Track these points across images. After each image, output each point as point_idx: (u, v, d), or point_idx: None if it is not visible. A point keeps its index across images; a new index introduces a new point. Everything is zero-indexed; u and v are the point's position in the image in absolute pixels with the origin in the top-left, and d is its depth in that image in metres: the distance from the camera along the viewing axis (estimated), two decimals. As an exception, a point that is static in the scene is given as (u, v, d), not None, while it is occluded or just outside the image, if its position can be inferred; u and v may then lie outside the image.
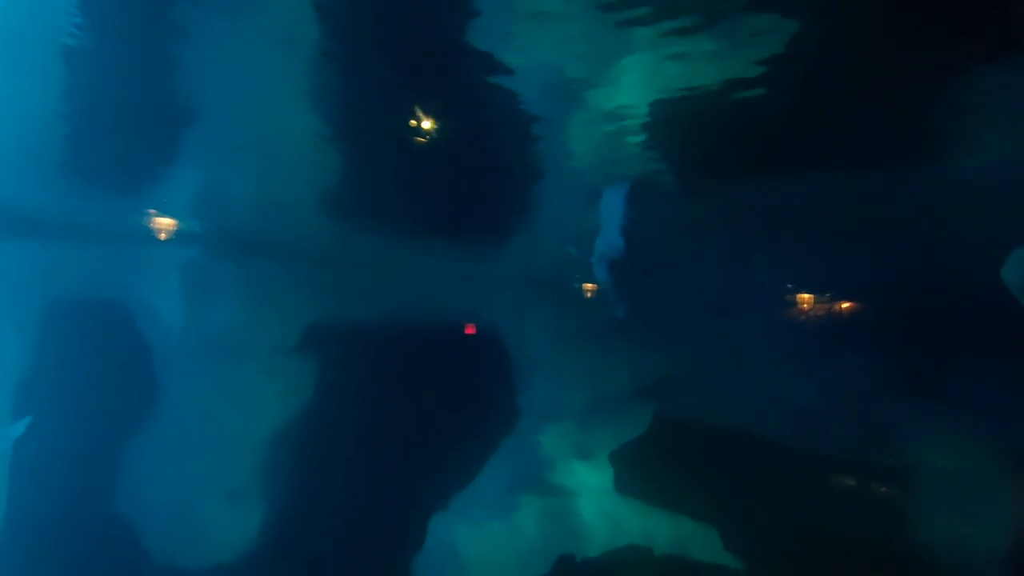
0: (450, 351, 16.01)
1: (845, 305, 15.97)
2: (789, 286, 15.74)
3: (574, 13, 7.35)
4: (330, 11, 7.94)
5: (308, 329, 14.72)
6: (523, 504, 15.02)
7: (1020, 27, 7.18)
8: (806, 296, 16.15)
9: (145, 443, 13.70)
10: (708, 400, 15.25)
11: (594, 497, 14.82)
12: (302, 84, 9.95)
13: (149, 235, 14.76)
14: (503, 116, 10.63)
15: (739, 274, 14.91)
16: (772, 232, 14.17)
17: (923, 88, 8.83)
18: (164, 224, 14.56)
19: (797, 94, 9.10)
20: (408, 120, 11.45)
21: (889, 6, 7.07)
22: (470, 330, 16.94)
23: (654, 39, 7.70)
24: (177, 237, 14.70)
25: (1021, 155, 10.42)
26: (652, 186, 12.93)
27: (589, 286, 18.25)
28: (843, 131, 10.41)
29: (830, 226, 13.88)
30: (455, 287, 17.73)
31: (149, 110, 11.07)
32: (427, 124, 11.48)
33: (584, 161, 12.45)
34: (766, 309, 15.99)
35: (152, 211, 14.27)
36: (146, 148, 12.23)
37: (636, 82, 8.99)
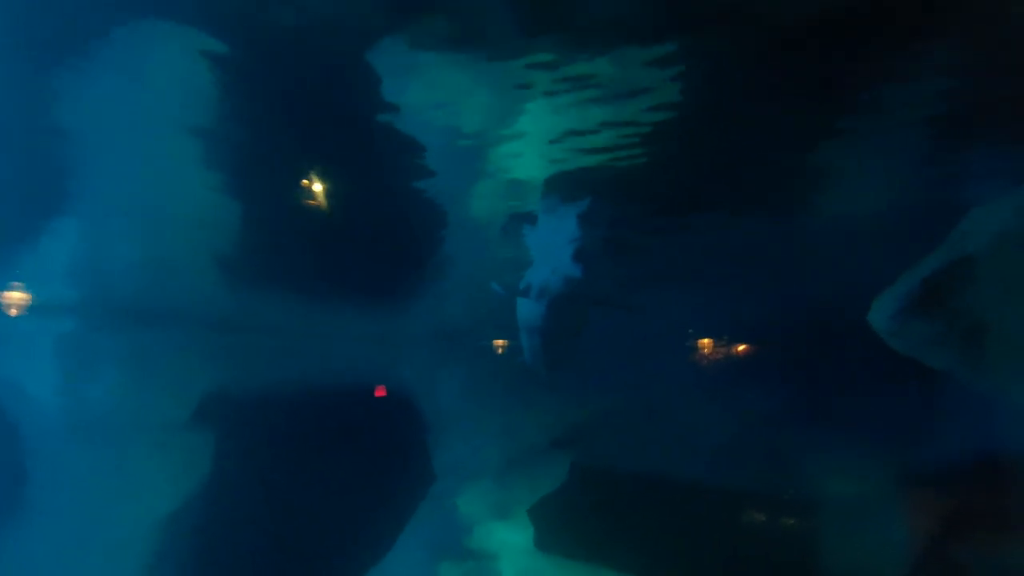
0: (360, 415, 15.36)
1: (746, 344, 16.89)
2: (691, 330, 16.49)
3: (469, 70, 7.56)
4: (227, 67, 7.77)
5: (204, 400, 13.68)
6: (442, 572, 14.37)
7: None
8: (708, 339, 16.98)
9: (10, 543, 12.03)
10: (622, 445, 15.43)
11: (515, 557, 14.42)
12: (196, 142, 9.59)
13: (18, 307, 13.41)
14: (404, 174, 10.69)
15: (646, 320, 15.45)
16: (673, 279, 14.86)
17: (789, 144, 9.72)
18: (33, 295, 13.32)
19: (683, 152, 9.72)
20: (308, 179, 11.28)
21: (760, 80, 7.75)
22: (380, 392, 16.39)
23: (549, 94, 8.02)
24: (50, 308, 13.44)
25: (879, 207, 11.60)
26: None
27: (500, 342, 18.31)
28: (733, 185, 11.20)
29: (727, 271, 14.75)
30: (363, 348, 17.20)
31: (19, 170, 10.27)
32: (328, 183, 11.34)
33: (488, 213, 12.66)
34: (673, 352, 16.61)
35: (17, 283, 13.06)
36: (14, 212, 11.27)
37: (532, 136, 9.30)
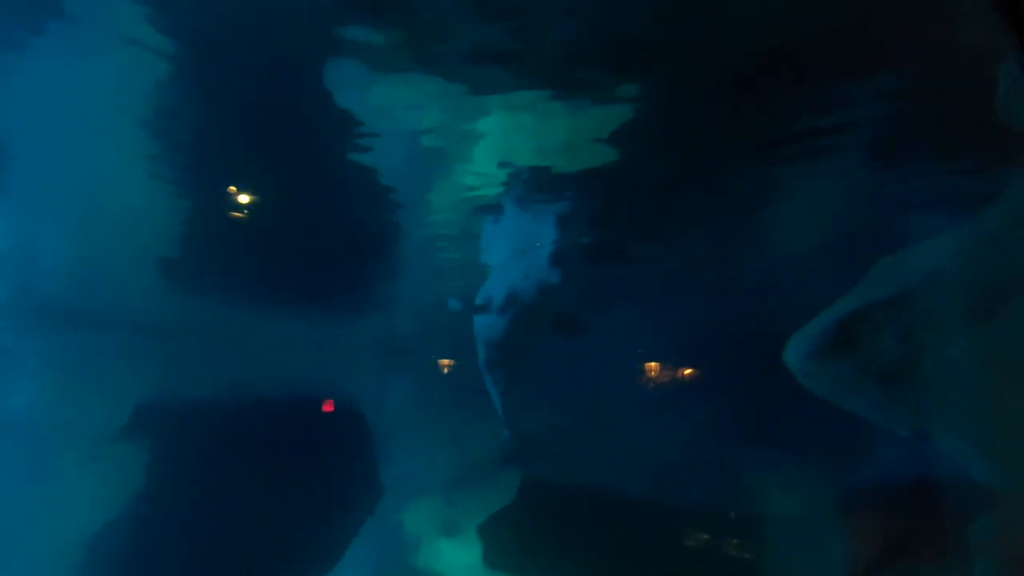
0: (305, 427, 14.83)
1: (694, 364, 17.19)
2: (640, 349, 16.65)
3: (428, 84, 7.44)
4: (173, 63, 7.40)
5: (138, 410, 12.96)
6: (387, 591, 13.98)
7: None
8: (656, 357, 17.19)
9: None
10: (573, 462, 15.36)
11: (463, 574, 14.14)
12: (138, 139, 9.11)
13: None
14: (359, 183, 10.44)
15: (593, 337, 15.47)
16: (622, 297, 14.99)
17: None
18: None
19: (636, 168, 9.79)
20: (256, 183, 10.88)
21: (706, 109, 7.87)
22: (328, 407, 15.89)
23: (507, 111, 7.96)
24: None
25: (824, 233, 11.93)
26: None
27: (445, 362, 18.10)
28: (681, 205, 11.37)
29: (674, 290, 14.95)
30: (308, 357, 16.66)
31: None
32: (276, 188, 10.96)
33: (444, 229, 12.49)
34: (624, 368, 16.70)
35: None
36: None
37: (490, 151, 9.22)
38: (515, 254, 12.66)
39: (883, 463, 10.80)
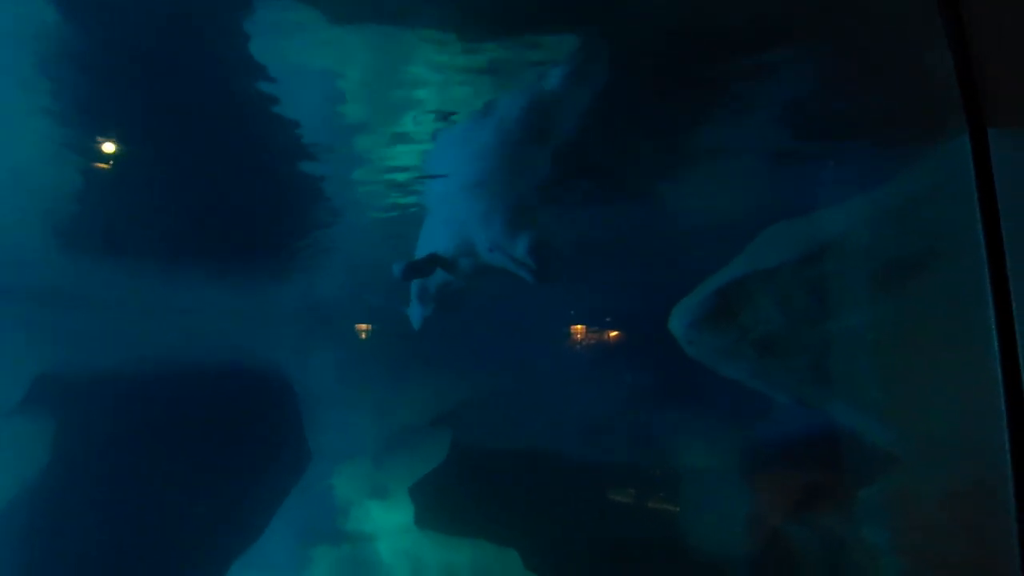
0: (224, 396, 14.24)
1: (614, 327, 17.75)
2: (570, 312, 16.97)
3: (351, 35, 7.02)
4: (68, 6, 6.61)
5: (36, 383, 12.03)
6: (316, 557, 13.85)
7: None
8: (581, 320, 17.64)
9: None
10: (502, 424, 15.60)
11: (393, 537, 14.21)
12: (29, 90, 8.18)
13: None
14: (278, 137, 9.81)
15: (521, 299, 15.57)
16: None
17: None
18: None
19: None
20: (161, 135, 10.04)
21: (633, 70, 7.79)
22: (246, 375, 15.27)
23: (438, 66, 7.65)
24: None
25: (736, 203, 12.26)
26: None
27: (363, 325, 17.75)
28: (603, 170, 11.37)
29: (594, 256, 15.18)
30: (226, 324, 15.93)
31: None
32: (184, 139, 10.14)
33: (374, 188, 12.02)
34: (548, 332, 16.95)
35: None
36: None
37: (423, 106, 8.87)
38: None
39: (786, 423, 11.49)
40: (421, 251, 10.32)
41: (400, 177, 11.49)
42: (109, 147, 10.10)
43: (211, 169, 11.00)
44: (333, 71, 7.84)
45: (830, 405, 7.18)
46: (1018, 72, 2.87)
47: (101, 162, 10.45)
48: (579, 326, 17.67)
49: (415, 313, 11.46)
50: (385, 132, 9.67)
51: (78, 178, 10.64)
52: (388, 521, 14.40)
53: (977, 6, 2.67)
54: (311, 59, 7.51)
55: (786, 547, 9.79)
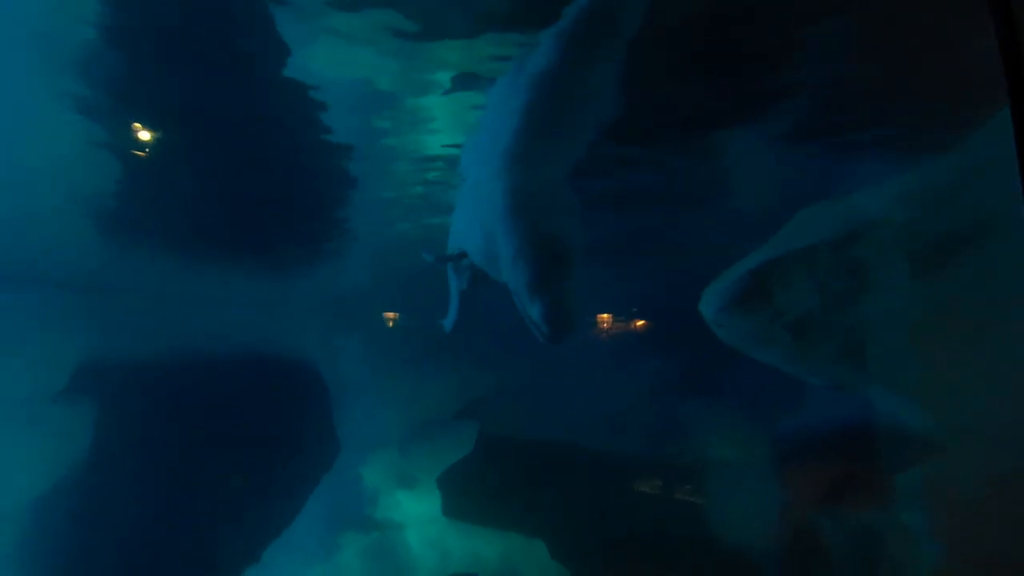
0: (255, 385, 14.48)
1: (639, 320, 17.70)
2: (594, 304, 16.97)
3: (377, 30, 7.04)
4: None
5: (79, 370, 12.33)
6: (345, 544, 14.05)
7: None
8: (606, 314, 17.62)
9: None
10: (528, 415, 15.65)
11: (421, 526, 14.36)
12: (68, 82, 8.38)
13: None
14: (308, 131, 9.93)
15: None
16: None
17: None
18: None
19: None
20: (197, 128, 10.23)
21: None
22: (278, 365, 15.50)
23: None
24: None
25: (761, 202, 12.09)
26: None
27: (389, 313, 17.86)
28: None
29: (622, 252, 15.12)
30: (258, 314, 16.18)
31: None
32: (220, 133, 10.32)
33: (399, 182, 12.08)
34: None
35: None
36: None
37: (444, 98, 8.85)
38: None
39: (818, 412, 11.32)
40: (454, 244, 10.14)
41: (431, 148, 11.18)
42: (145, 135, 10.25)
43: (242, 156, 11.15)
44: (358, 70, 7.88)
45: (867, 389, 7.02)
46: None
47: (138, 150, 10.64)
48: (605, 315, 17.61)
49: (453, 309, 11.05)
50: (412, 104, 9.65)
51: (116, 169, 10.87)
52: (416, 510, 14.55)
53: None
54: (336, 54, 7.57)
55: (816, 539, 9.67)
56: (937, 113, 8.05)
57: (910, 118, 8.87)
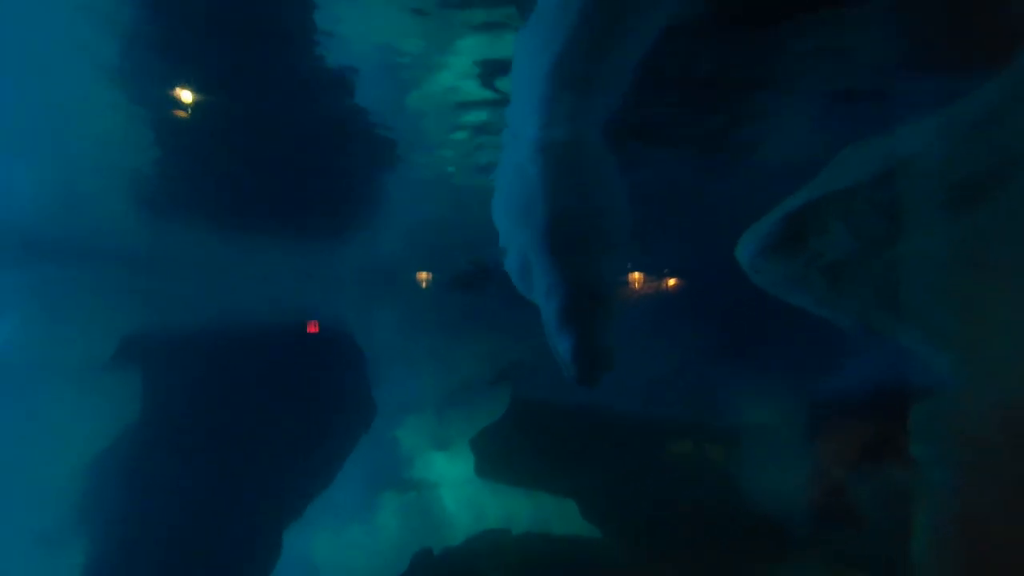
0: (294, 352, 14.96)
1: (673, 282, 17.49)
2: (628, 266, 16.82)
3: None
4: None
5: (127, 339, 12.90)
6: (382, 503, 14.60)
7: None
8: (640, 275, 17.45)
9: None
10: (559, 377, 15.78)
11: (455, 486, 14.80)
12: (110, 61, 8.60)
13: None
14: (340, 103, 10.01)
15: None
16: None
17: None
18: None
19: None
20: (235, 103, 10.40)
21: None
22: (313, 328, 15.94)
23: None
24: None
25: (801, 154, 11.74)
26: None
27: (423, 275, 17.97)
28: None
29: (655, 213, 14.90)
30: (294, 284, 16.58)
31: None
32: (256, 109, 10.47)
33: (432, 148, 12.10)
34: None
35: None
36: None
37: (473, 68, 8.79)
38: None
39: (850, 374, 11.17)
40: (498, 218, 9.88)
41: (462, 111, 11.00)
42: (187, 97, 10.37)
43: (279, 132, 11.32)
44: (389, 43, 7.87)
45: (897, 330, 6.90)
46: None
47: (178, 119, 10.84)
48: (638, 275, 17.41)
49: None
50: (443, 99, 9.67)
51: (156, 144, 11.19)
52: (450, 471, 14.97)
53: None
54: (366, 29, 7.57)
55: (851, 501, 9.68)
56: (971, 54, 7.70)
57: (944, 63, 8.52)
